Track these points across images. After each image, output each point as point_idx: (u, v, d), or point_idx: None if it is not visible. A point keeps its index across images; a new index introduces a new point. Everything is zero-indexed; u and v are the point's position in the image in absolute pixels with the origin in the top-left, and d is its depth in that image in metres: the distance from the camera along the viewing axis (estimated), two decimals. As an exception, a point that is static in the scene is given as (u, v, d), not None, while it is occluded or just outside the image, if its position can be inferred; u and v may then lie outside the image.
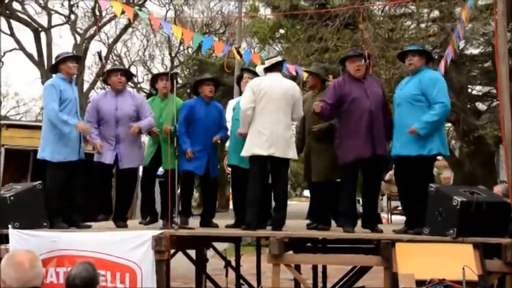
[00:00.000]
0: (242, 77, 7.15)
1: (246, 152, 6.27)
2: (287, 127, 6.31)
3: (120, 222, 6.76)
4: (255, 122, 6.24)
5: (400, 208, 10.54)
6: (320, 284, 8.17)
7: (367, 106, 6.06)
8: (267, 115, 6.20)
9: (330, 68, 10.55)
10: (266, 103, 6.20)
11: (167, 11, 26.26)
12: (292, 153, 6.31)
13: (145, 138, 7.66)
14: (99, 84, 24.97)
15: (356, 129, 6.06)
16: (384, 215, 9.23)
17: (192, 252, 7.75)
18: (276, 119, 6.20)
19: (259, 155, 6.18)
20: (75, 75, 6.73)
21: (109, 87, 7.06)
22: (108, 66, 7.15)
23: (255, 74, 6.99)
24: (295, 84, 6.57)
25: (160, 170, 7.14)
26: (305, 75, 7.65)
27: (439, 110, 5.79)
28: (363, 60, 6.20)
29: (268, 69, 6.40)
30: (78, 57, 7.51)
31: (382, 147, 6.09)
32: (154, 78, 7.40)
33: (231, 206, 7.84)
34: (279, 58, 6.64)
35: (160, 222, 6.94)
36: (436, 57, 10.60)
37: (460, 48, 12.05)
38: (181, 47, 28.59)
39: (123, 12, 7.31)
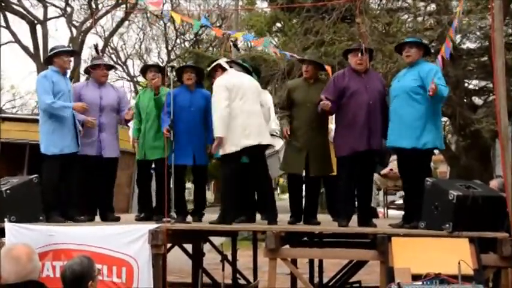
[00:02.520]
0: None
1: (235, 146, 6.18)
2: (261, 116, 6.37)
3: (111, 215, 6.80)
4: (236, 118, 6.18)
5: (396, 203, 10.58)
6: (316, 279, 8.19)
7: (365, 100, 6.05)
8: (244, 107, 6.21)
9: (328, 61, 10.56)
10: (242, 95, 6.23)
11: (164, 4, 26.10)
12: (267, 140, 6.39)
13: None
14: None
15: (353, 123, 6.08)
16: (380, 210, 9.23)
17: (189, 247, 7.75)
18: (253, 109, 6.26)
19: (249, 146, 6.17)
20: (69, 69, 6.75)
21: (90, 77, 7.14)
22: (104, 59, 7.16)
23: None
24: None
25: None
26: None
27: (444, 88, 5.71)
28: (360, 54, 6.17)
29: (233, 63, 6.51)
30: (74, 52, 7.53)
31: (377, 142, 6.08)
32: (144, 70, 7.41)
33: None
34: (221, 61, 6.52)
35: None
36: (432, 51, 10.59)
37: (456, 42, 12.05)
38: (178, 41, 28.52)
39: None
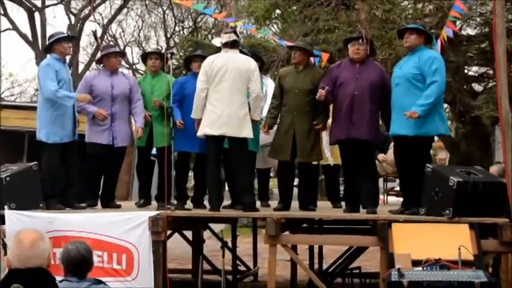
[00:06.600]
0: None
1: (199, 132, 6.19)
2: (241, 105, 6.13)
3: (113, 203, 6.79)
4: (208, 101, 6.14)
5: (396, 189, 10.56)
6: (316, 265, 8.21)
7: (350, 91, 6.05)
8: (218, 93, 6.10)
9: (327, 48, 10.51)
10: (219, 81, 6.10)
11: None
12: (246, 132, 6.14)
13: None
14: (94, 65, 24.77)
15: (338, 113, 6.15)
16: (380, 196, 9.21)
17: (189, 234, 7.76)
18: (229, 97, 6.09)
19: (211, 135, 6.11)
20: (68, 56, 6.73)
21: (102, 66, 7.06)
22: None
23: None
24: (249, 58, 6.37)
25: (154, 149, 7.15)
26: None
27: (433, 90, 5.73)
28: (361, 40, 6.14)
29: (225, 45, 6.26)
30: (72, 38, 7.51)
31: (360, 131, 6.00)
32: (145, 56, 7.39)
33: (227, 187, 7.87)
34: (235, 37, 6.37)
35: (154, 205, 6.95)
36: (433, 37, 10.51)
37: (457, 28, 11.97)
38: (177, 28, 28.40)
39: None
